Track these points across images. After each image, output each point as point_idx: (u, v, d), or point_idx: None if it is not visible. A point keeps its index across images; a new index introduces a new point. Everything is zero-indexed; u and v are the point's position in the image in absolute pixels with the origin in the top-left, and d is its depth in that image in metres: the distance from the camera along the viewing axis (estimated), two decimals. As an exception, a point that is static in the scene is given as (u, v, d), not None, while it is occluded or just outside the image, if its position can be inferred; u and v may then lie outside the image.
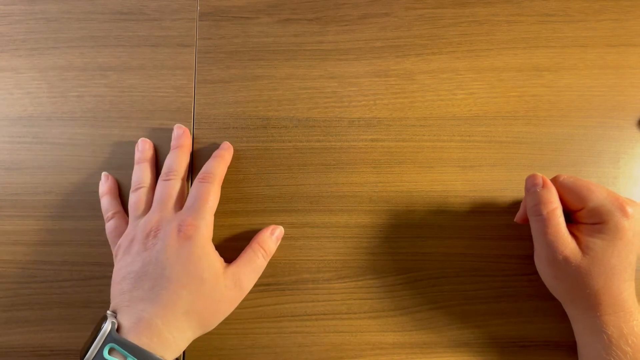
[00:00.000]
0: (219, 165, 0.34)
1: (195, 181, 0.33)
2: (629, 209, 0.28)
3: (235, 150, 0.36)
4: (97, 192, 0.35)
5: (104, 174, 0.35)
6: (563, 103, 0.36)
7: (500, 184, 0.35)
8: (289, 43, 0.38)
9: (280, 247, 0.35)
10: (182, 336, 0.29)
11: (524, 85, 0.37)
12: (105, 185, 0.35)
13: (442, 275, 0.34)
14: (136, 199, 0.33)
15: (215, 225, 0.33)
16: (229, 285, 0.30)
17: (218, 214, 0.33)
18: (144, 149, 0.35)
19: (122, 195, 0.35)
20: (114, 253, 0.32)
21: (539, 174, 0.31)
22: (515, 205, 0.35)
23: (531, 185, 0.31)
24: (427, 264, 0.35)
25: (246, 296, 0.32)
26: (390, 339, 0.34)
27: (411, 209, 0.35)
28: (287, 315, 0.34)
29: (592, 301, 0.29)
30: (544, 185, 0.30)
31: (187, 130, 0.35)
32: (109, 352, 0.26)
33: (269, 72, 0.37)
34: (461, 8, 0.38)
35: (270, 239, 0.33)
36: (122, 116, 0.36)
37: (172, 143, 0.35)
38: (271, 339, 0.34)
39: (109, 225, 0.33)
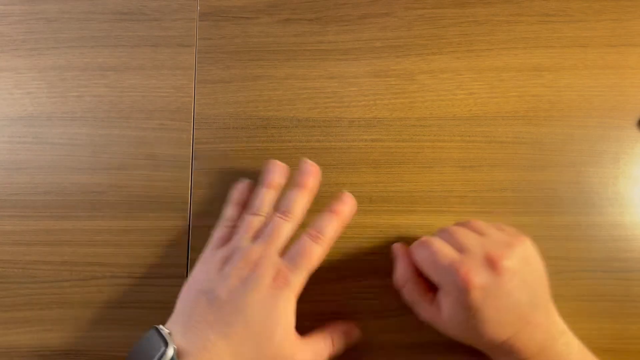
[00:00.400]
0: (333, 225, 0.31)
1: (305, 235, 0.31)
2: (476, 279, 0.26)
3: (235, 151, 0.36)
4: (97, 192, 0.35)
5: (246, 181, 0.34)
6: (563, 103, 0.36)
7: (500, 184, 0.35)
8: (289, 43, 0.38)
9: (280, 247, 0.34)
10: None
11: (524, 85, 0.37)
12: (244, 195, 0.34)
13: (442, 275, 0.34)
14: (251, 224, 0.32)
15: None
16: (286, 356, 0.28)
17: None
18: (277, 171, 0.33)
19: (122, 195, 0.35)
20: (207, 253, 0.32)
21: (398, 244, 0.32)
22: (515, 205, 0.35)
23: (393, 256, 0.32)
24: (427, 264, 0.35)
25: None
26: (390, 339, 0.34)
27: (411, 209, 0.35)
28: (287, 315, 0.34)
29: (492, 351, 0.29)
30: (400, 256, 0.31)
31: (318, 170, 0.33)
32: None
33: (269, 72, 0.37)
34: (461, 8, 0.38)
35: (344, 338, 0.32)
36: (122, 116, 0.36)
37: (299, 179, 0.32)
38: (271, 339, 0.34)
39: (222, 231, 0.32)
